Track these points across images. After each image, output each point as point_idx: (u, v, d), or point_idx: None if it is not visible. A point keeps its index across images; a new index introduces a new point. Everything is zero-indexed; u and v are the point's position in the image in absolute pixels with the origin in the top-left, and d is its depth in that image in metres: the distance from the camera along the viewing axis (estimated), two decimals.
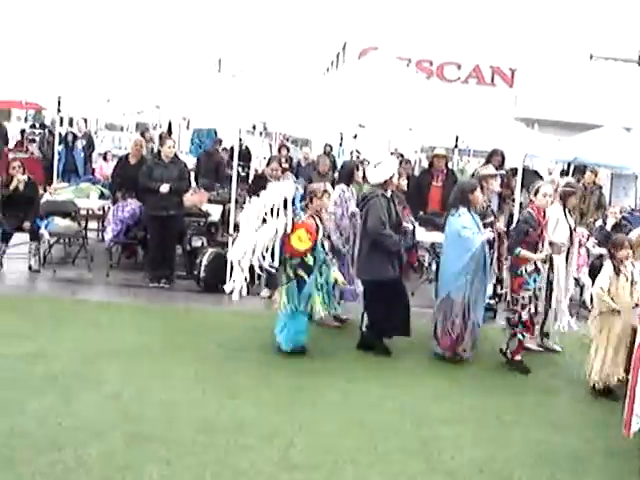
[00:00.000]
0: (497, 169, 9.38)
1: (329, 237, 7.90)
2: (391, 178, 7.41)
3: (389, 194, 7.43)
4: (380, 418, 5.86)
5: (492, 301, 8.60)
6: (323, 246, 7.33)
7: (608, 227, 11.28)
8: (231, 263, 7.26)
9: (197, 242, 10.17)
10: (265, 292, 9.09)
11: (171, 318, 8.29)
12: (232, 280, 7.09)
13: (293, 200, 7.12)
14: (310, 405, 6.00)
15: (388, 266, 7.31)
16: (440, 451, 5.32)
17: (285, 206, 6.98)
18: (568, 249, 7.92)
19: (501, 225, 8.85)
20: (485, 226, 7.59)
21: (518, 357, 7.40)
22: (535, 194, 7.42)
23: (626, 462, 5.35)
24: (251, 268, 7.03)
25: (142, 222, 10.04)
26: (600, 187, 12.78)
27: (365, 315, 7.60)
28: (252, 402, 5.95)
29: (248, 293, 7.17)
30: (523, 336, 7.34)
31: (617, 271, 6.54)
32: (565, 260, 7.91)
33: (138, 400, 5.78)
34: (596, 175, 12.95)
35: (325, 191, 7.29)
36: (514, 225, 7.73)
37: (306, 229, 7.01)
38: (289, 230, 6.97)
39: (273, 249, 6.95)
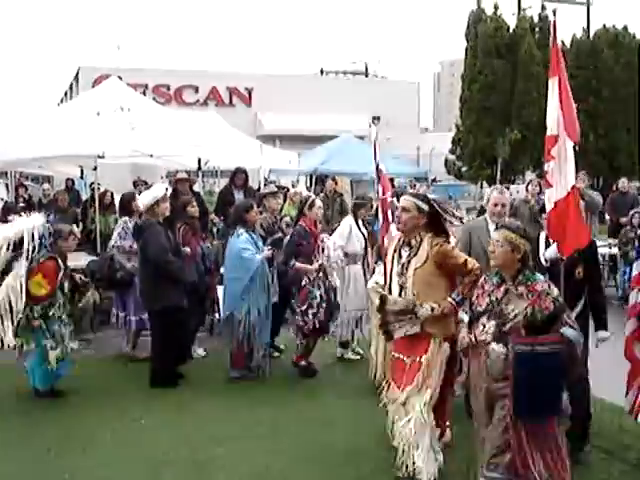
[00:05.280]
0: (241, 187, 9.57)
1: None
2: (157, 204, 7.28)
3: (161, 220, 7.33)
4: (155, 450, 5.73)
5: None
6: (63, 289, 6.97)
7: None
8: None
9: None
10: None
11: None
12: None
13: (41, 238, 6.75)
14: (80, 450, 5.71)
15: (174, 293, 7.22)
16: (216, 472, 5.32)
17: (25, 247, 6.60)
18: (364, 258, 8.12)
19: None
20: (274, 242, 7.74)
21: (303, 362, 7.64)
22: (310, 208, 7.63)
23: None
24: None
25: None
26: (341, 194, 13.52)
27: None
28: (13, 459, 5.54)
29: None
30: (314, 340, 7.61)
31: None
32: (362, 268, 8.09)
33: None
34: (336, 183, 13.68)
35: (71, 232, 7.05)
36: (287, 239, 7.90)
37: (43, 274, 6.67)
38: (23, 282, 6.57)
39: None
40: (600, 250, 8.22)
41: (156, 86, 31.37)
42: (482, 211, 10.79)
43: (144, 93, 24.12)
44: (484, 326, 4.55)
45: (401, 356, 5.06)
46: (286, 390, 7.27)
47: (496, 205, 6.22)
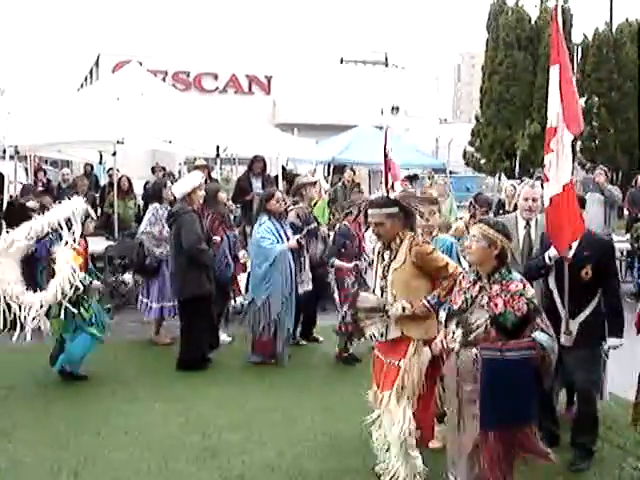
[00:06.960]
0: (260, 174, 9.58)
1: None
2: (194, 191, 7.36)
3: (195, 208, 7.42)
4: (166, 435, 5.79)
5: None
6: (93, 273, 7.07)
7: None
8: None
9: None
10: None
11: None
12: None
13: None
14: (94, 434, 5.78)
15: (205, 281, 7.32)
16: (230, 457, 5.36)
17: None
18: None
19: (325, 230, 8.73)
20: (309, 232, 7.78)
21: (345, 354, 7.70)
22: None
23: None
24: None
25: None
26: (358, 184, 13.49)
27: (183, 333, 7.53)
28: (30, 441, 5.61)
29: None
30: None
31: None
32: None
33: None
34: (355, 173, 13.65)
35: (88, 216, 7.04)
36: (331, 237, 7.96)
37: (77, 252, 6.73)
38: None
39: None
40: (618, 245, 8.06)
41: (176, 73, 31.42)
42: (500, 204, 10.75)
43: (164, 80, 24.14)
44: (453, 333, 4.39)
45: (380, 356, 4.97)
46: (303, 378, 7.30)
47: (526, 200, 5.91)
